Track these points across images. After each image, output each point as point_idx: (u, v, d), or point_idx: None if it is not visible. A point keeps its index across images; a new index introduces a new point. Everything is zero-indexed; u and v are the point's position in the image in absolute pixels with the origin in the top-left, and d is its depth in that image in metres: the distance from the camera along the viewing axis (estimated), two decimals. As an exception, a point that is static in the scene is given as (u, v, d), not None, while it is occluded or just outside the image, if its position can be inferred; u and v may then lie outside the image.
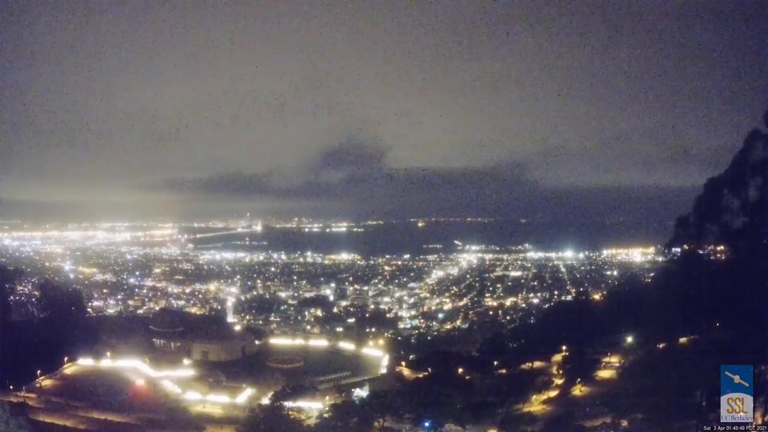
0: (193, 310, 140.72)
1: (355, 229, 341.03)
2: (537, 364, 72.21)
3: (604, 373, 65.78)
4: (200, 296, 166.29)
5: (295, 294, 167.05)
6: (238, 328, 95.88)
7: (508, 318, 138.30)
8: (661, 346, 67.18)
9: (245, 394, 62.57)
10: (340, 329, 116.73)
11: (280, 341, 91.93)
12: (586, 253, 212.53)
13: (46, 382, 63.72)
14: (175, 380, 65.91)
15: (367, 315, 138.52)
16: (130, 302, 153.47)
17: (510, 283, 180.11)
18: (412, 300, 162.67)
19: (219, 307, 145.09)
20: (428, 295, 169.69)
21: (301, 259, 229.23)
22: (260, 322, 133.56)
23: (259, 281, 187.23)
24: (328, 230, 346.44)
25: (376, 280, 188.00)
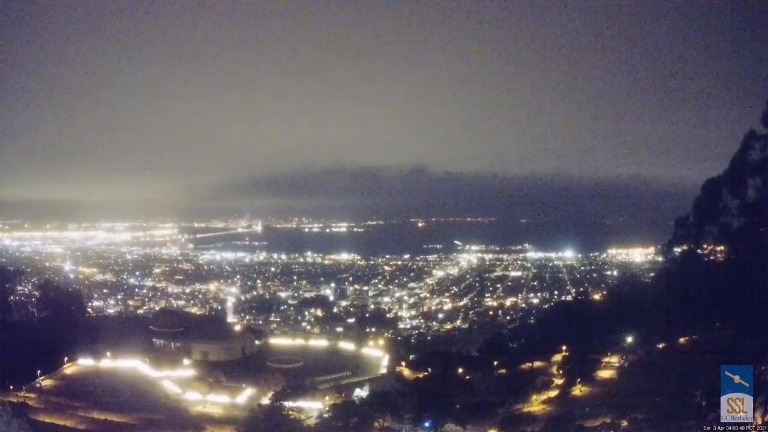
0: (193, 310, 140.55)
1: (355, 229, 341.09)
2: (537, 364, 72.20)
3: (604, 373, 65.76)
4: (200, 296, 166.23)
5: (295, 294, 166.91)
6: (238, 328, 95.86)
7: (508, 318, 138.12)
8: (661, 346, 67.08)
9: (245, 394, 62.59)
10: (340, 329, 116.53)
11: (280, 341, 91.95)
12: (586, 253, 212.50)
13: (46, 382, 63.76)
14: (175, 380, 65.94)
15: (367, 315, 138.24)
16: (130, 302, 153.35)
17: (510, 283, 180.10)
18: (412, 300, 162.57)
19: (219, 307, 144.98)
20: (428, 295, 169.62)
21: (301, 259, 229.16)
22: (260, 322, 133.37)
23: (259, 281, 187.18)
24: (328, 230, 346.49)
25: (376, 280, 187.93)
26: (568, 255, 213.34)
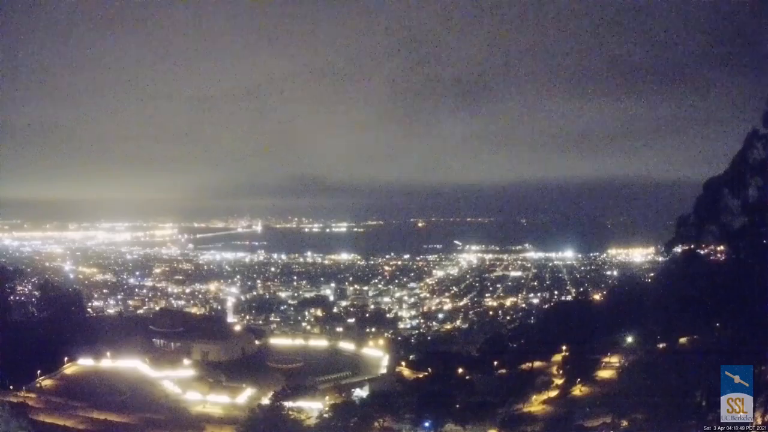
0: (193, 310, 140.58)
1: (355, 229, 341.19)
2: (537, 364, 72.07)
3: (604, 373, 65.64)
4: (200, 296, 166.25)
5: (295, 294, 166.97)
6: (238, 328, 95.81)
7: (508, 318, 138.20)
8: (661, 346, 67.11)
9: (245, 394, 62.55)
10: (340, 329, 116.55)
11: (280, 341, 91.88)
12: (586, 253, 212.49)
13: (46, 382, 63.64)
14: (175, 380, 65.87)
15: (367, 315, 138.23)
16: (130, 302, 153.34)
17: (510, 283, 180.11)
18: (412, 300, 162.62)
19: (219, 307, 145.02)
20: (428, 295, 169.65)
21: (301, 259, 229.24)
22: (260, 322, 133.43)
23: (259, 281, 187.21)
24: (328, 230, 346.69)
25: (376, 280, 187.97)
26: (568, 255, 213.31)
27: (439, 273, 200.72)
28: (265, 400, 55.45)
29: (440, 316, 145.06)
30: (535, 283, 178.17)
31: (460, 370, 71.14)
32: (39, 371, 64.26)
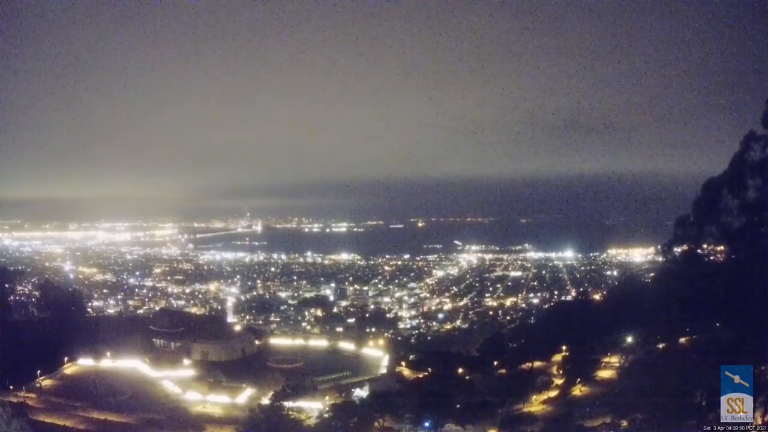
0: (193, 310, 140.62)
1: (355, 229, 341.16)
2: (537, 364, 72.10)
3: (604, 373, 65.73)
4: (200, 296, 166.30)
5: (295, 294, 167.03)
6: (238, 328, 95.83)
7: (508, 318, 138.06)
8: (661, 346, 67.09)
9: (245, 394, 62.59)
10: (340, 329, 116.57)
11: (280, 341, 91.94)
12: (586, 253, 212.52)
13: (46, 382, 63.77)
14: (175, 380, 65.95)
15: (367, 315, 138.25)
16: (130, 302, 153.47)
17: (510, 283, 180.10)
18: (412, 300, 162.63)
19: (219, 307, 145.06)
20: (428, 295, 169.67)
21: (301, 259, 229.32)
22: (260, 322, 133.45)
23: (259, 281, 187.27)
24: (328, 230, 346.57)
25: (376, 280, 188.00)
26: (568, 255, 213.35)
27: (439, 273, 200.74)
28: (265, 400, 55.48)
29: (440, 316, 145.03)
30: (535, 283, 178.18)
31: (460, 370, 71.11)
32: (39, 371, 64.39)
